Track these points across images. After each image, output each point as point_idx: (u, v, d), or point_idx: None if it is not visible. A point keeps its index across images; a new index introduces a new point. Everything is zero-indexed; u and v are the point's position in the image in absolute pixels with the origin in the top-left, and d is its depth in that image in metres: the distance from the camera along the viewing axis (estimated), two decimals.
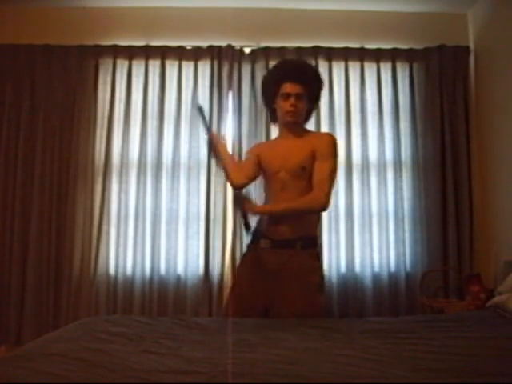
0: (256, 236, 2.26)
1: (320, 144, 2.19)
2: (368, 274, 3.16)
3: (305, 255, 2.17)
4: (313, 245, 2.23)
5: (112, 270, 3.13)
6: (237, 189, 2.34)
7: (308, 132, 2.34)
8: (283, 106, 2.21)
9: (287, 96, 2.19)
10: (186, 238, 3.15)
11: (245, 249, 2.47)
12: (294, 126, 2.27)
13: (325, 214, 3.18)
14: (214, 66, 3.26)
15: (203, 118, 2.48)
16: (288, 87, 2.18)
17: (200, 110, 2.51)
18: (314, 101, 2.32)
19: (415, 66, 3.35)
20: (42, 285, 3.06)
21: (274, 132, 3.21)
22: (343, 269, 3.18)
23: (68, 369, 1.27)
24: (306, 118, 2.35)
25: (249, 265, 2.26)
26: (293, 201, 2.14)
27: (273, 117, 2.38)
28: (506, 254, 2.81)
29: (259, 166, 2.33)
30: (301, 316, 2.03)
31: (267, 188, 2.33)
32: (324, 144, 2.19)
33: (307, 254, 2.18)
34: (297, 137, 2.26)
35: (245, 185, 2.37)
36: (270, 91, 2.28)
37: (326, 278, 3.12)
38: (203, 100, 3.25)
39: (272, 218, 2.20)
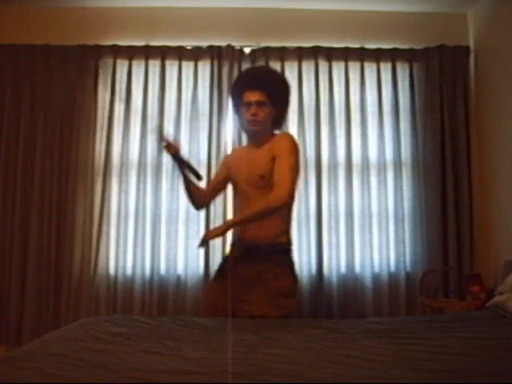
0: (232, 243, 2.31)
1: (277, 146, 2.15)
2: (368, 274, 3.16)
3: (274, 261, 2.14)
4: (282, 250, 2.19)
5: (112, 270, 3.13)
6: (198, 209, 2.49)
7: (272, 138, 2.24)
8: (245, 114, 2.18)
9: (248, 104, 2.16)
10: (186, 237, 3.15)
11: None
12: (258, 135, 2.22)
13: (325, 214, 3.19)
14: (214, 66, 3.26)
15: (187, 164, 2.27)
16: (248, 96, 2.16)
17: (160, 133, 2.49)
18: (281, 106, 2.25)
19: (415, 65, 3.35)
20: (42, 285, 3.06)
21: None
22: (343, 269, 3.18)
23: (68, 369, 1.27)
24: (278, 124, 2.31)
25: (221, 273, 2.27)
26: (248, 210, 2.14)
27: (241, 124, 2.37)
28: (506, 253, 2.81)
29: (227, 177, 2.35)
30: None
31: (234, 199, 2.32)
32: (281, 145, 2.16)
33: (276, 260, 2.15)
34: (259, 145, 2.22)
35: (208, 200, 2.46)
36: (235, 101, 2.27)
37: (326, 279, 3.15)
38: (203, 100, 3.26)
39: (241, 226, 2.18)
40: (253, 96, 2.15)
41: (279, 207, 2.07)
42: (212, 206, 3.14)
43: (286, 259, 2.21)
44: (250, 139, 2.31)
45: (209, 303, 2.29)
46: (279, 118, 2.28)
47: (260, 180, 2.14)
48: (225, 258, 2.40)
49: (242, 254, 2.17)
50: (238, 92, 2.24)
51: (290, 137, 2.21)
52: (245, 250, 2.17)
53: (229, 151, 3.10)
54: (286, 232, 2.21)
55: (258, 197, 2.13)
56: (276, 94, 2.21)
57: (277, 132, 2.31)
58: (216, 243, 3.12)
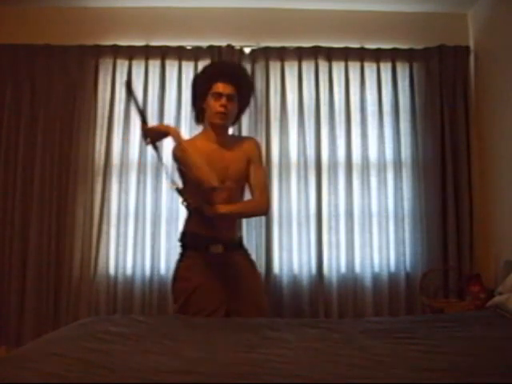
0: (198, 242, 2.17)
1: (252, 151, 2.25)
2: (368, 274, 3.16)
3: (246, 255, 2.30)
4: (242, 242, 2.35)
5: (112, 270, 3.13)
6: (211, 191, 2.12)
7: (233, 137, 2.36)
8: (213, 105, 2.15)
9: (219, 96, 2.14)
10: None
11: None
12: (221, 129, 2.22)
13: (325, 214, 3.20)
14: None
15: (134, 98, 2.18)
16: (220, 87, 2.15)
17: (128, 87, 2.39)
18: (244, 105, 2.29)
19: (415, 65, 3.35)
20: (42, 285, 3.06)
21: (275, 131, 3.25)
22: (343, 269, 3.18)
23: (68, 369, 1.27)
24: (234, 122, 2.34)
25: (202, 272, 2.13)
26: (240, 204, 2.21)
27: (199, 117, 2.31)
28: (506, 253, 2.81)
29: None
30: (265, 311, 2.20)
31: (187, 190, 2.16)
32: (256, 149, 2.27)
33: (246, 252, 2.32)
34: (222, 142, 2.21)
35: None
36: (201, 89, 2.21)
37: (326, 279, 3.15)
38: None
39: (218, 221, 2.12)
40: (225, 88, 2.15)
41: (262, 215, 2.35)
42: None
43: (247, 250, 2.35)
44: (212, 133, 2.21)
45: (199, 305, 2.11)
46: (239, 115, 2.32)
47: (233, 183, 2.18)
48: (188, 256, 2.20)
49: (225, 250, 2.17)
50: (205, 82, 2.21)
51: (259, 144, 2.37)
52: (228, 246, 2.19)
53: None
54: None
55: (239, 195, 2.23)
56: (244, 91, 2.23)
57: (230, 129, 2.35)
58: None
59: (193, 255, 2.18)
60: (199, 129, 3.16)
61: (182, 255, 2.22)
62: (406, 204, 3.26)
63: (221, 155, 2.19)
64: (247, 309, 2.14)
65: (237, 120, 2.37)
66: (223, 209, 2.10)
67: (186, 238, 2.22)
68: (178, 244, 2.25)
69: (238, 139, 2.38)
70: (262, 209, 2.28)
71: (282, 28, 3.38)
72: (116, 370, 1.28)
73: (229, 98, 2.15)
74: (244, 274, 2.21)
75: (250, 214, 2.40)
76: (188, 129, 3.22)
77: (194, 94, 2.28)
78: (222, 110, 2.14)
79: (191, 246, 2.19)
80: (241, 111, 2.31)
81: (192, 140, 2.32)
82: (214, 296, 2.11)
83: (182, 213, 3.15)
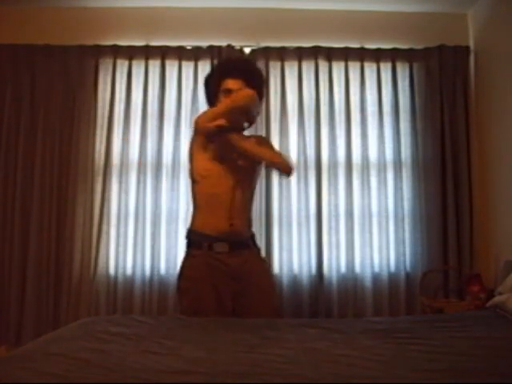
0: (202, 241, 2.12)
1: (263, 145, 2.29)
2: (368, 274, 3.16)
3: (257, 254, 2.27)
4: (255, 240, 2.29)
5: (112, 270, 3.13)
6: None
7: (247, 135, 2.33)
8: (224, 102, 2.13)
9: (229, 92, 2.12)
10: None
11: None
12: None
13: (325, 214, 3.20)
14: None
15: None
16: (230, 83, 2.13)
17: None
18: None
19: (415, 65, 3.35)
20: (42, 285, 3.06)
21: (275, 131, 3.24)
22: (343, 269, 3.18)
23: (68, 369, 1.27)
24: (249, 120, 2.24)
25: (206, 271, 2.09)
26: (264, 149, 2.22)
27: None
28: (506, 253, 2.81)
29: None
30: (274, 312, 2.16)
31: (206, 193, 2.13)
32: (267, 143, 2.38)
33: (258, 253, 2.28)
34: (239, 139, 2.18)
35: None
36: (213, 88, 2.21)
37: (326, 279, 3.15)
38: (203, 100, 3.22)
39: (227, 220, 2.09)
40: (234, 84, 2.12)
41: (288, 172, 2.17)
42: None
43: (259, 249, 2.32)
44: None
45: (203, 309, 2.06)
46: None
47: (250, 178, 2.21)
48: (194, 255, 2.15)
49: (231, 249, 2.11)
50: (217, 78, 2.19)
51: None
52: (234, 244, 2.12)
53: None
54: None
55: (244, 197, 2.17)
56: (255, 86, 2.17)
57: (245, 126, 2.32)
58: None
59: (197, 254, 2.12)
60: None
61: (188, 253, 2.17)
62: (406, 204, 3.26)
63: (229, 155, 2.15)
64: (255, 309, 2.10)
65: (252, 120, 2.26)
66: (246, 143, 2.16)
67: (191, 236, 2.17)
68: (185, 242, 2.20)
69: (247, 138, 2.31)
70: (289, 163, 2.16)
71: (282, 28, 3.38)
72: (116, 370, 1.28)
73: None
74: (253, 273, 2.15)
75: (278, 162, 2.17)
76: (188, 129, 3.21)
77: (208, 93, 2.27)
78: None
79: (196, 245, 2.14)
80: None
81: None
82: (217, 296, 2.07)
83: (182, 213, 3.17)
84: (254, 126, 2.40)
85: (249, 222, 2.25)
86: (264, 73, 2.31)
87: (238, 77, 2.13)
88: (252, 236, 2.27)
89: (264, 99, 2.44)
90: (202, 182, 2.14)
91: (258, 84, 2.22)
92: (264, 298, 2.16)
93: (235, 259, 2.12)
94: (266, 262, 2.34)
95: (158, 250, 3.14)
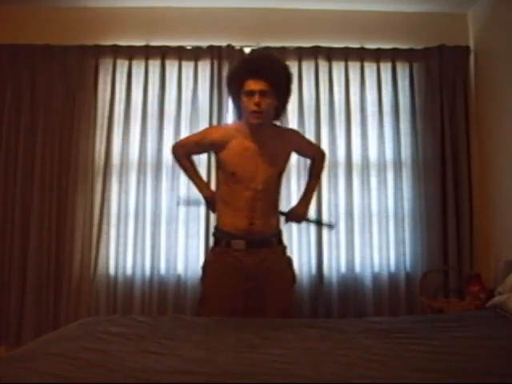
0: (221, 238, 2.20)
1: (295, 143, 2.33)
2: (368, 273, 3.16)
3: (280, 251, 2.27)
4: (281, 239, 2.31)
5: (112, 270, 3.13)
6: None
7: (274, 128, 2.25)
8: (247, 104, 2.09)
9: (251, 93, 2.07)
10: (186, 237, 3.14)
11: None
12: (260, 128, 2.15)
13: (325, 214, 3.19)
14: (214, 66, 3.26)
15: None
16: (251, 84, 2.07)
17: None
18: (283, 96, 2.18)
19: (415, 65, 3.35)
20: (42, 285, 3.06)
21: None
22: (343, 269, 3.18)
23: (68, 369, 1.27)
24: (277, 115, 2.24)
25: (224, 268, 2.15)
26: (311, 178, 2.44)
27: (239, 114, 2.26)
28: (506, 253, 2.81)
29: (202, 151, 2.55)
30: (286, 312, 2.15)
31: (229, 193, 2.19)
32: (300, 139, 2.41)
33: (281, 250, 2.29)
34: (261, 140, 2.16)
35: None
36: (235, 88, 2.16)
37: (326, 279, 3.15)
38: (203, 100, 3.26)
39: (246, 219, 2.13)
40: (256, 85, 2.07)
41: (323, 157, 2.45)
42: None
43: (285, 247, 2.34)
44: (251, 131, 2.17)
45: (221, 305, 2.11)
46: (280, 108, 2.22)
47: (277, 179, 2.23)
48: (215, 253, 2.25)
49: (248, 247, 2.14)
50: (238, 79, 2.14)
51: (301, 133, 2.55)
52: (252, 242, 2.14)
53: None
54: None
55: (269, 197, 2.20)
56: (279, 84, 2.12)
57: (278, 124, 2.32)
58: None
59: (218, 251, 2.22)
60: (199, 129, 3.19)
61: (211, 250, 2.29)
62: (406, 204, 3.26)
63: (253, 157, 2.16)
64: (269, 309, 2.13)
65: (280, 113, 2.25)
66: (305, 208, 2.41)
67: (214, 232, 2.27)
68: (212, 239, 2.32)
69: (278, 133, 2.27)
70: (322, 156, 2.46)
71: (282, 28, 3.38)
72: (116, 369, 1.28)
73: (262, 94, 2.06)
74: (270, 272, 2.15)
75: (320, 172, 2.50)
76: (188, 129, 3.22)
77: (231, 93, 2.24)
78: (255, 108, 2.07)
79: (217, 242, 2.24)
80: (283, 104, 2.21)
81: (230, 132, 2.24)
82: (232, 293, 2.10)
83: (182, 213, 3.16)
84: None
85: (275, 222, 2.28)
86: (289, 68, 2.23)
87: (259, 77, 2.07)
88: (277, 234, 2.28)
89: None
90: (227, 181, 2.20)
91: (282, 83, 2.15)
92: (277, 297, 2.16)
93: (251, 258, 2.14)
94: (289, 261, 2.31)
95: (157, 250, 3.14)
